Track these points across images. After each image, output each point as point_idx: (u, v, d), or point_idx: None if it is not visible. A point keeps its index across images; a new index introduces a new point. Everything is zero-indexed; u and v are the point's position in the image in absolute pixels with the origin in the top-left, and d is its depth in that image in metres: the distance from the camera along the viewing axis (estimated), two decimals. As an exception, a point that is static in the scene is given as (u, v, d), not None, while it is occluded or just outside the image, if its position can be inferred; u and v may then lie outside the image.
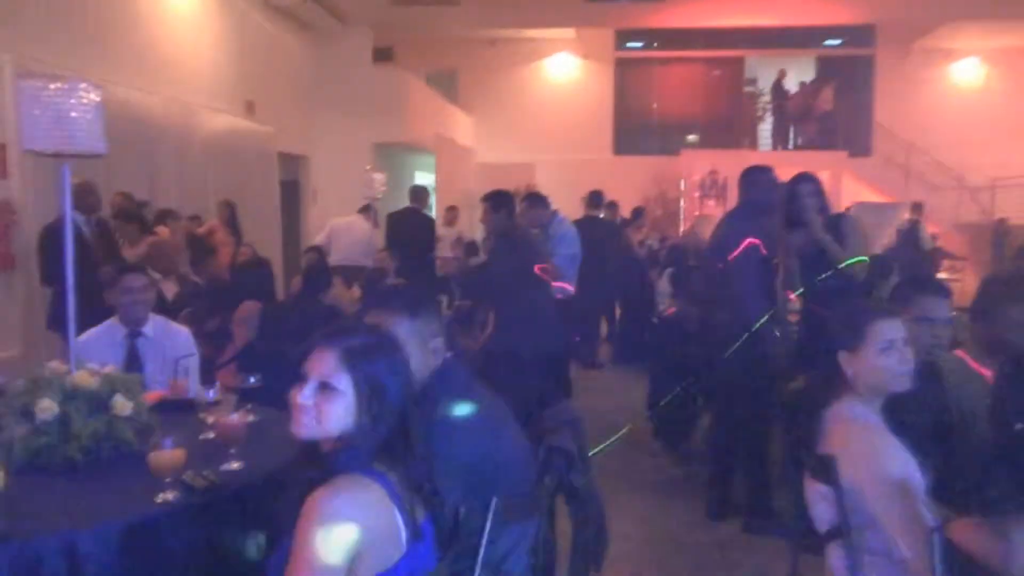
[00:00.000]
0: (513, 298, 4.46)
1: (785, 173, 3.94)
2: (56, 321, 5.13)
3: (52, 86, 2.04)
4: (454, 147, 13.75)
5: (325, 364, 1.49)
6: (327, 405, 1.47)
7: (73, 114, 2.05)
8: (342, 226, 7.65)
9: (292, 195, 11.06)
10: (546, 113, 15.39)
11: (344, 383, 1.47)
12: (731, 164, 12.13)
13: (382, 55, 13.00)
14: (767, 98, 15.15)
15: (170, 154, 7.67)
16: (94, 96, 2.12)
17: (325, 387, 1.48)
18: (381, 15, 12.05)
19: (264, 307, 4.23)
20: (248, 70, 9.55)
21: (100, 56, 6.81)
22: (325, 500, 1.39)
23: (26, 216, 5.85)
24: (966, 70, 15.01)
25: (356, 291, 5.37)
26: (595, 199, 7.65)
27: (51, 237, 4.92)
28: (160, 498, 1.81)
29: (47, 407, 2.01)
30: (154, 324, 3.27)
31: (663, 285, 6.88)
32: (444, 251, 8.47)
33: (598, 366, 7.32)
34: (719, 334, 3.78)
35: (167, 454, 1.81)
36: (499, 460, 1.87)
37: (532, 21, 13.81)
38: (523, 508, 1.91)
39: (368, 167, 10.42)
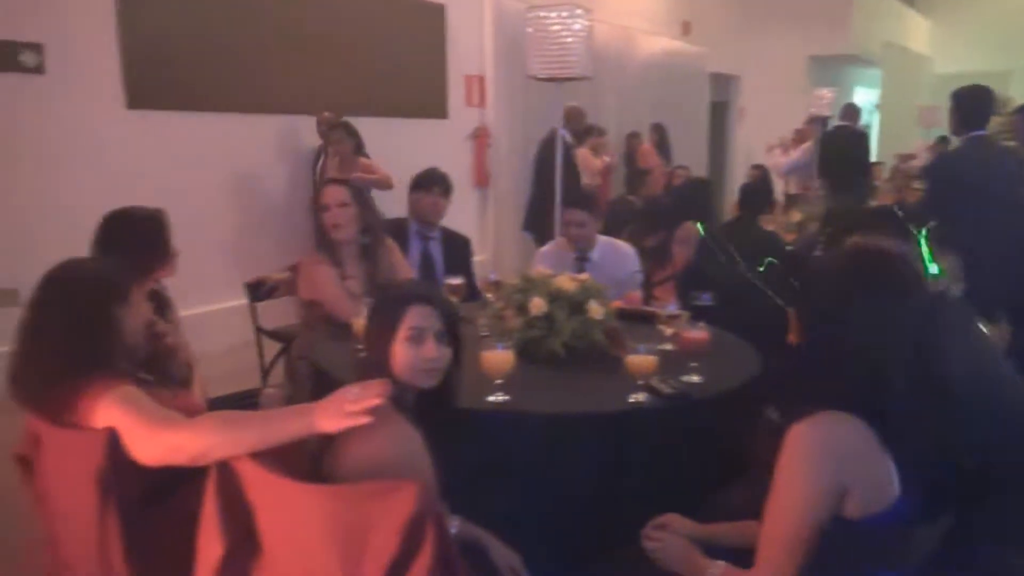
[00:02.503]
0: (986, 227, 3.77)
1: None
2: (531, 224, 5.97)
3: (554, 15, 2.24)
4: (905, 56, 12.05)
5: None
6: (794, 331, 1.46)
7: (569, 40, 2.23)
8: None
9: (720, 115, 10.91)
10: (1032, 7, 12.53)
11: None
12: None
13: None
14: None
15: (610, 77, 8.11)
16: (585, 22, 2.27)
17: None
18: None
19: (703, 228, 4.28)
20: (686, -10, 9.53)
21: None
22: (803, 433, 1.35)
23: (497, 139, 6.76)
24: None
25: (796, 215, 5.12)
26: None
27: (544, 151, 5.67)
28: (632, 398, 1.97)
29: (538, 305, 2.31)
30: (600, 249, 3.50)
31: None
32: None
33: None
34: None
35: (642, 359, 1.95)
36: (1003, 415, 1.62)
37: None
38: None
39: (804, 84, 9.78)
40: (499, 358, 1.93)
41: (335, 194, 2.80)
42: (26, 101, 4.03)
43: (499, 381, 1.95)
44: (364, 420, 1.32)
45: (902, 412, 1.36)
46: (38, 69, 4.03)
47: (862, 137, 7.04)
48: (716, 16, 10.13)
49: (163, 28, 4.51)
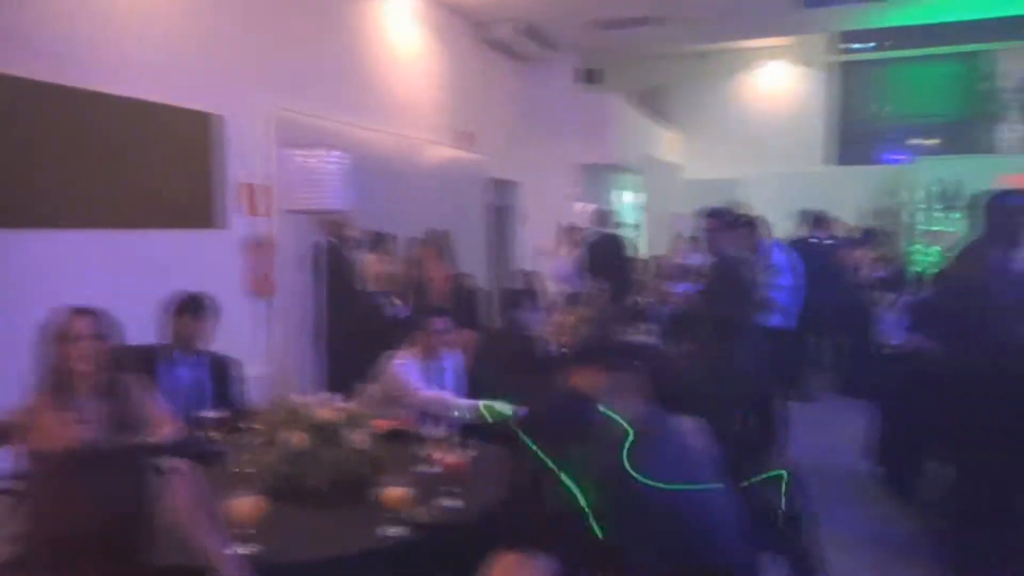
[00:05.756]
0: (728, 333, 4.29)
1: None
2: (329, 337, 5.82)
3: (302, 154, 2.32)
4: (660, 166, 13.63)
5: None
6: None
7: (323, 177, 2.32)
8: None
9: (505, 219, 11.54)
10: (758, 125, 14.79)
11: None
12: (973, 172, 10.89)
13: (593, 78, 13.21)
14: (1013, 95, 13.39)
15: (396, 186, 8.34)
16: (340, 161, 2.37)
17: None
18: (590, 40, 12.24)
19: (479, 335, 4.47)
20: (465, 104, 10.15)
21: (344, 103, 7.57)
22: None
23: (283, 248, 6.64)
24: None
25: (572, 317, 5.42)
26: (809, 217, 7.28)
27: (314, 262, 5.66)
28: (382, 532, 1.97)
29: (296, 439, 2.27)
30: (453, 357, 3.64)
31: (890, 314, 6.30)
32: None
33: (810, 399, 6.88)
34: (971, 376, 3.36)
35: (393, 491, 1.97)
36: (705, 523, 1.80)
37: (746, 32, 13.29)
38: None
39: (570, 190, 10.67)
40: (246, 505, 1.86)
41: (87, 324, 2.38)
42: None
43: (251, 531, 1.88)
44: None
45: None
46: None
47: (618, 240, 7.87)
48: (493, 128, 10.86)
49: None
